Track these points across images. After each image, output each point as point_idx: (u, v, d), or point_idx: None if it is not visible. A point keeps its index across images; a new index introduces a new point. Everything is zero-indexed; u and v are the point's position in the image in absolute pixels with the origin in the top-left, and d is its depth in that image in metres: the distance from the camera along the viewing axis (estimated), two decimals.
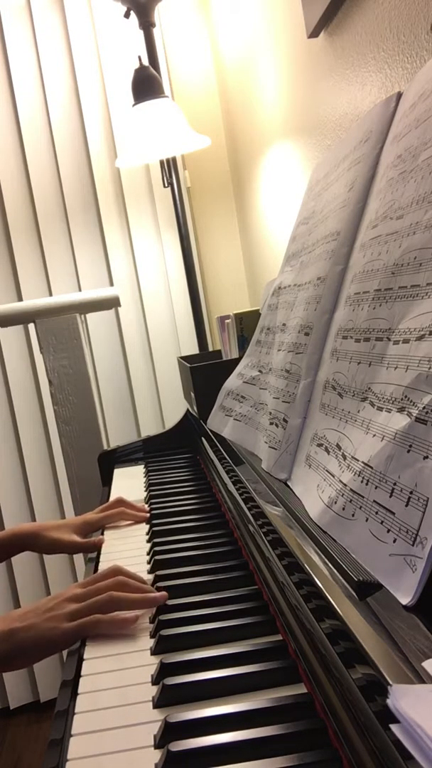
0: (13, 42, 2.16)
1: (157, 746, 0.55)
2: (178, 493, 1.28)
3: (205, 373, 1.34)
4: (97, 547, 1.07)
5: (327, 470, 0.66)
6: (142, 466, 1.58)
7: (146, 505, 1.23)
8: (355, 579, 0.50)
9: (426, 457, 0.48)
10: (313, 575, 0.55)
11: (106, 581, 0.81)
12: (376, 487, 0.54)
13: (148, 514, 1.17)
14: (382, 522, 0.51)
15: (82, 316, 1.86)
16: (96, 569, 0.99)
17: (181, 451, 1.64)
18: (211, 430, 1.17)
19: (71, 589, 0.81)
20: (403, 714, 0.33)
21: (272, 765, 0.50)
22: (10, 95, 2.18)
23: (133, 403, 2.29)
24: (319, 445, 0.71)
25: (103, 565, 1.00)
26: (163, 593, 0.80)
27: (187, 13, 2.25)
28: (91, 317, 2.23)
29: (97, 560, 1.02)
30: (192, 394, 1.39)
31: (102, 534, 1.14)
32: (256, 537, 0.78)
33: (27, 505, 2.27)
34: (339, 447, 0.65)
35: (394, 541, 0.48)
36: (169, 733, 0.55)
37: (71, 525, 1.13)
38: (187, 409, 1.64)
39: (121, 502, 1.20)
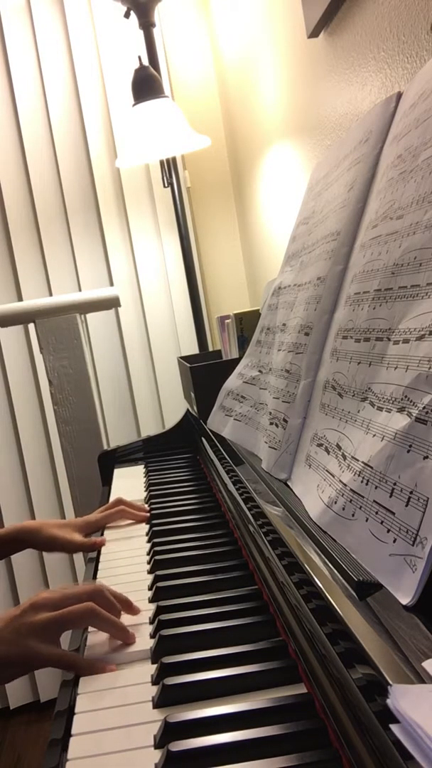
0: (13, 42, 2.16)
1: (157, 746, 0.55)
2: (178, 493, 1.28)
3: (205, 373, 1.34)
4: (97, 547, 1.07)
5: (327, 470, 0.66)
6: (142, 466, 1.58)
7: (146, 505, 1.23)
8: (355, 579, 0.50)
9: (426, 457, 0.48)
10: (313, 575, 0.55)
11: (85, 588, 0.75)
12: (376, 487, 0.54)
13: (148, 514, 1.17)
14: (382, 522, 0.51)
15: (82, 316, 1.86)
16: (96, 569, 0.99)
17: (181, 451, 1.64)
18: (211, 430, 1.16)
19: (41, 594, 0.74)
20: (403, 714, 0.33)
21: (272, 765, 0.50)
22: (10, 95, 2.18)
23: (133, 403, 2.29)
24: (319, 445, 0.71)
25: (103, 565, 1.00)
26: (133, 634, 0.73)
27: (187, 13, 2.24)
28: (91, 317, 2.23)
29: (96, 560, 1.02)
30: (192, 394, 1.39)
31: (102, 534, 1.14)
32: (256, 537, 0.78)
33: (27, 505, 2.27)
34: (339, 447, 0.65)
35: (394, 541, 0.48)
36: (169, 733, 0.55)
37: (73, 524, 1.13)
38: (187, 409, 1.64)
39: (121, 501, 1.20)
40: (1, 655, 0.68)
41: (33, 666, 0.71)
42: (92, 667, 0.70)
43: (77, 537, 1.09)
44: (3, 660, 0.69)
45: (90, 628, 0.77)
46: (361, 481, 0.57)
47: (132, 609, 0.79)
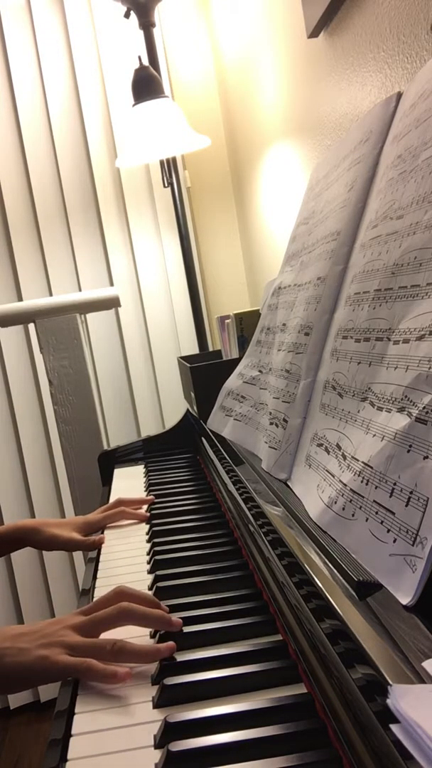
0: (13, 42, 2.16)
1: (157, 746, 0.55)
2: (178, 493, 1.28)
3: (205, 373, 1.34)
4: (96, 546, 1.07)
5: (327, 470, 0.66)
6: (142, 466, 1.58)
7: (147, 495, 1.23)
8: (355, 579, 0.50)
9: (426, 457, 0.48)
10: (313, 575, 0.55)
11: (109, 612, 0.72)
12: (376, 487, 0.54)
13: (148, 514, 1.18)
14: (382, 522, 0.51)
15: (82, 316, 1.86)
16: (96, 569, 0.99)
17: (181, 451, 1.64)
18: (211, 430, 1.16)
19: (72, 616, 0.73)
20: (403, 714, 0.33)
21: (272, 765, 0.50)
22: (10, 95, 2.18)
23: (133, 403, 2.29)
24: (319, 445, 0.71)
25: (103, 565, 1.00)
26: (179, 620, 0.71)
27: (187, 13, 2.25)
28: (91, 317, 2.23)
29: (96, 560, 1.02)
30: (192, 394, 1.39)
31: (102, 534, 1.14)
32: (256, 537, 0.78)
33: (27, 505, 2.27)
34: (339, 447, 0.65)
35: (394, 541, 0.48)
36: (169, 733, 0.55)
37: (72, 523, 1.13)
38: (187, 409, 1.64)
39: (120, 502, 1.20)
40: (16, 663, 0.66)
41: (43, 679, 0.66)
42: (106, 670, 0.66)
43: (76, 536, 1.10)
44: (18, 667, 0.66)
45: None
46: (361, 481, 0.57)
47: (160, 607, 0.75)
